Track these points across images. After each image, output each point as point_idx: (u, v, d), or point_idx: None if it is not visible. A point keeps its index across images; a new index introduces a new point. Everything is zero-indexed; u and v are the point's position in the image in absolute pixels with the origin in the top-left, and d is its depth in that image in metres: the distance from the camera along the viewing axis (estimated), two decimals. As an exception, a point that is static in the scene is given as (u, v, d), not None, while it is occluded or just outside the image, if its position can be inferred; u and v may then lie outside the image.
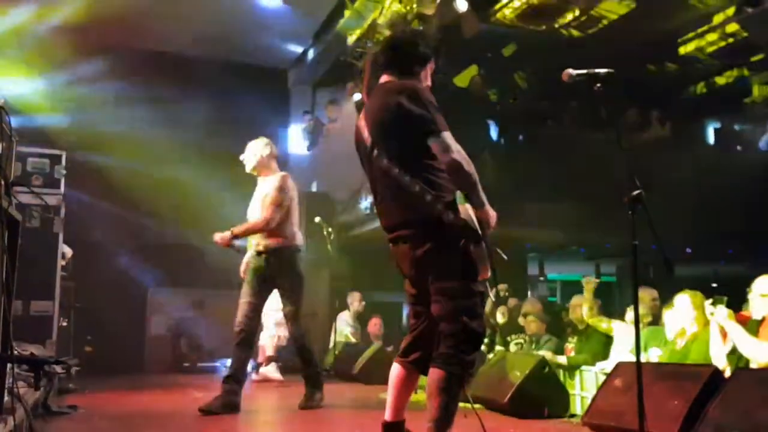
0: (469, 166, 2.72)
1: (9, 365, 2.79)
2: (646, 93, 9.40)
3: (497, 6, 7.10)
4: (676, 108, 10.18)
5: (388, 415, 3.08)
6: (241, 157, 5.10)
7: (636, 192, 3.13)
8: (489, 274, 2.74)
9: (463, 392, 2.71)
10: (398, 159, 2.82)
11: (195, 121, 8.97)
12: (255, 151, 5.07)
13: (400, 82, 2.97)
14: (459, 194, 2.75)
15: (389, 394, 3.12)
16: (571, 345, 6.61)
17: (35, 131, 7.21)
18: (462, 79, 9.28)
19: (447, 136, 2.75)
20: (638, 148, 9.94)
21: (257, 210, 4.99)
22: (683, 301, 4.94)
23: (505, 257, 2.79)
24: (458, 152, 2.72)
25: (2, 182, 2.46)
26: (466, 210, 2.70)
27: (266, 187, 5.02)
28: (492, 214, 2.78)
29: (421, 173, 2.78)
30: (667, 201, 9.14)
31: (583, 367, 5.91)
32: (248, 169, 5.10)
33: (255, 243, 4.97)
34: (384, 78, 3.06)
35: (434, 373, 2.65)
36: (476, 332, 2.69)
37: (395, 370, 3.10)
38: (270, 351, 6.99)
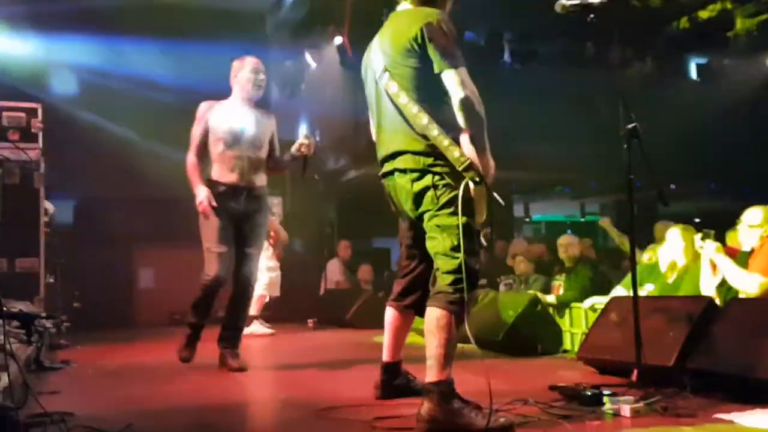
0: (480, 106, 2.65)
1: (-1, 321, 2.73)
2: (630, 29, 9.27)
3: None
4: (660, 43, 10.08)
5: (385, 356, 3.16)
6: (262, 77, 4.51)
7: (631, 125, 3.10)
8: (485, 216, 2.69)
9: (462, 330, 2.69)
10: (408, 88, 2.76)
11: (172, 68, 8.71)
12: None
13: (420, 8, 2.87)
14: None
15: (386, 337, 3.16)
16: (558, 283, 6.66)
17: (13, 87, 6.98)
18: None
19: (463, 72, 2.67)
20: (622, 84, 9.87)
21: (257, 141, 4.40)
22: (674, 234, 4.96)
23: (501, 202, 2.74)
24: (472, 91, 2.65)
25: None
26: (472, 150, 2.64)
27: (265, 120, 4.52)
28: (491, 162, 2.71)
29: (430, 105, 2.72)
30: (651, 137, 9.15)
31: (572, 305, 5.97)
32: (260, 94, 4.56)
33: (246, 181, 4.36)
34: (402, 5, 2.97)
35: (432, 312, 2.63)
36: (473, 269, 2.66)
37: (390, 313, 3.13)
38: (254, 311, 6.79)
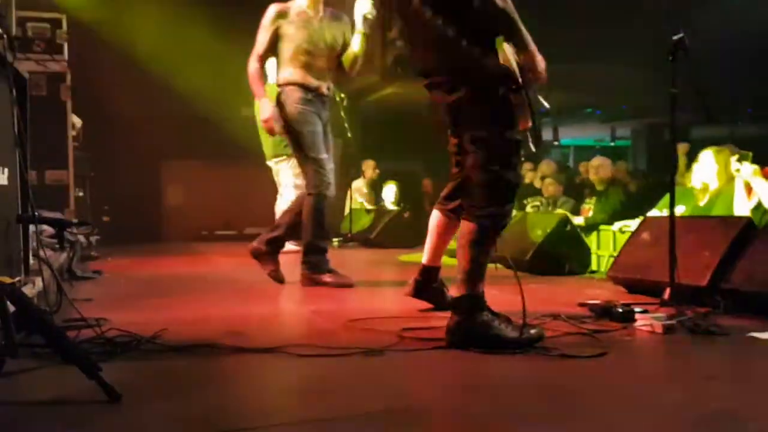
0: (504, 3, 2.48)
1: (32, 228, 2.75)
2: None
3: None
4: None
5: (425, 258, 3.15)
6: None
7: (678, 36, 2.95)
8: (529, 123, 2.57)
9: (495, 250, 2.64)
10: (433, 1, 2.60)
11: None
12: None
13: None
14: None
15: (428, 239, 3.13)
16: (588, 206, 6.59)
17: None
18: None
19: None
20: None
21: (335, 45, 4.25)
22: (707, 156, 4.84)
23: (547, 105, 2.63)
24: None
25: (5, 35, 2.28)
26: (508, 56, 2.49)
27: (338, 23, 4.32)
28: (539, 57, 2.57)
29: (456, 16, 2.57)
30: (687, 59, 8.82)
31: (601, 227, 5.91)
32: None
33: (326, 87, 4.26)
34: None
35: (465, 225, 2.57)
36: (510, 182, 2.57)
37: (435, 216, 3.09)
38: None
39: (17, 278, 2.63)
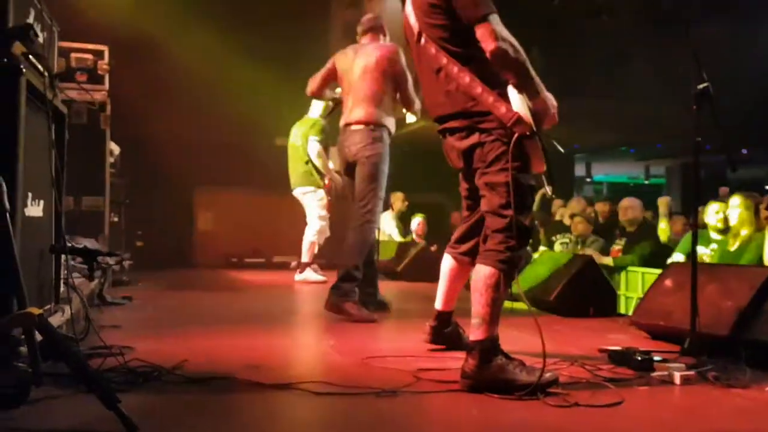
0: (516, 52, 2.52)
1: (63, 257, 2.85)
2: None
3: None
4: (739, 3, 9.57)
5: (438, 304, 3.16)
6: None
7: (703, 85, 2.96)
8: (544, 167, 2.61)
9: (511, 289, 2.67)
10: (446, 48, 2.67)
11: (250, 22, 8.74)
12: None
13: None
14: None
15: (440, 284, 3.15)
16: (618, 246, 6.54)
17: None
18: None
19: (494, 20, 2.54)
20: (696, 44, 9.42)
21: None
22: (735, 202, 4.80)
23: (561, 149, 2.67)
24: (504, 39, 2.52)
25: (46, 73, 2.40)
26: (521, 100, 2.55)
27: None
28: (551, 102, 2.63)
29: (471, 63, 2.63)
30: (723, 101, 8.75)
31: (629, 268, 5.86)
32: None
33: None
34: None
35: (480, 269, 2.60)
36: (524, 227, 2.61)
37: (446, 260, 3.11)
38: (307, 258, 6.87)
39: (47, 306, 2.72)
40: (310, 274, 6.77)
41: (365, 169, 4.36)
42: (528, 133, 2.53)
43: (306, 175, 6.71)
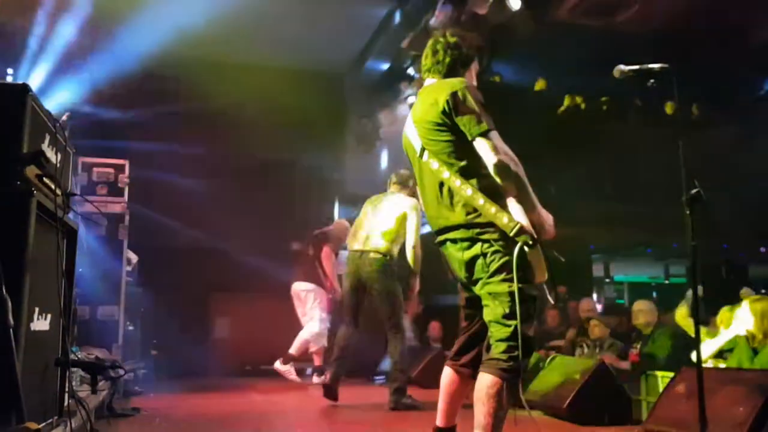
0: (516, 167, 2.65)
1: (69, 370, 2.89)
2: (715, 87, 9.05)
3: (553, 3, 6.95)
4: (748, 102, 9.77)
5: (439, 420, 3.09)
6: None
7: (694, 191, 3.02)
8: (546, 276, 2.66)
9: (517, 397, 2.64)
10: (448, 162, 2.78)
11: (251, 127, 9.11)
12: None
13: (444, 81, 2.93)
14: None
15: (440, 399, 3.10)
16: (635, 350, 6.41)
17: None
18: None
19: (493, 136, 2.68)
20: (706, 144, 9.59)
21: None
22: (744, 307, 4.75)
23: (562, 259, 2.71)
24: (504, 153, 2.65)
25: (59, 192, 2.54)
26: (521, 211, 2.63)
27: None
28: (546, 216, 2.71)
29: (472, 176, 2.73)
30: (740, 200, 8.80)
31: (649, 372, 5.72)
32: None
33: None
34: (428, 81, 3.05)
35: (483, 379, 2.60)
36: (528, 337, 2.61)
37: (447, 374, 3.07)
38: (295, 351, 7.06)
39: (50, 419, 2.74)
40: (289, 369, 6.96)
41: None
42: (530, 242, 2.59)
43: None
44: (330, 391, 5.38)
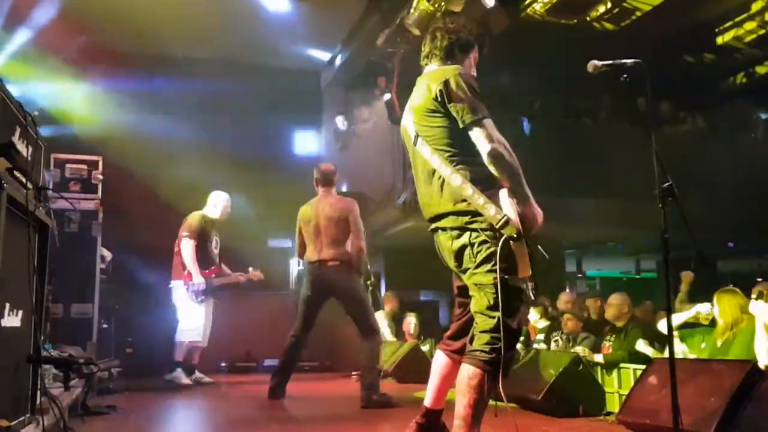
0: (510, 156, 2.64)
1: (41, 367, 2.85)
2: (684, 85, 9.20)
3: (526, 1, 7.02)
4: (715, 99, 9.95)
5: (427, 401, 3.04)
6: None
7: (667, 184, 3.06)
8: (529, 272, 2.66)
9: (496, 390, 2.64)
10: (440, 149, 2.78)
11: (228, 123, 9.07)
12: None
13: (441, 68, 2.93)
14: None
15: (431, 381, 3.05)
16: (608, 343, 6.49)
17: (72, 139, 7.34)
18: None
19: (488, 124, 2.67)
20: (675, 140, 9.75)
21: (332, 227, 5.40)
22: (716, 299, 4.84)
23: (546, 255, 2.72)
24: (499, 142, 2.64)
25: (29, 186, 2.50)
26: (511, 204, 2.63)
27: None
28: (537, 210, 2.71)
29: (464, 164, 2.73)
30: (708, 195, 8.94)
31: (621, 365, 5.80)
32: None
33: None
34: (428, 68, 3.03)
35: (465, 369, 2.59)
36: (512, 329, 2.61)
37: (439, 357, 3.04)
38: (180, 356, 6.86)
39: (22, 417, 2.69)
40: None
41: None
42: (515, 236, 2.59)
43: None
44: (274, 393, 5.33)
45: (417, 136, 2.87)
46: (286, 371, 5.40)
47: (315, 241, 5.41)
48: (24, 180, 2.47)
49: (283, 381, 5.36)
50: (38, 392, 2.88)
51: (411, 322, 8.53)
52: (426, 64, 3.04)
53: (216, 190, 6.99)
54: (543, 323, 7.58)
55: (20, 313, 2.60)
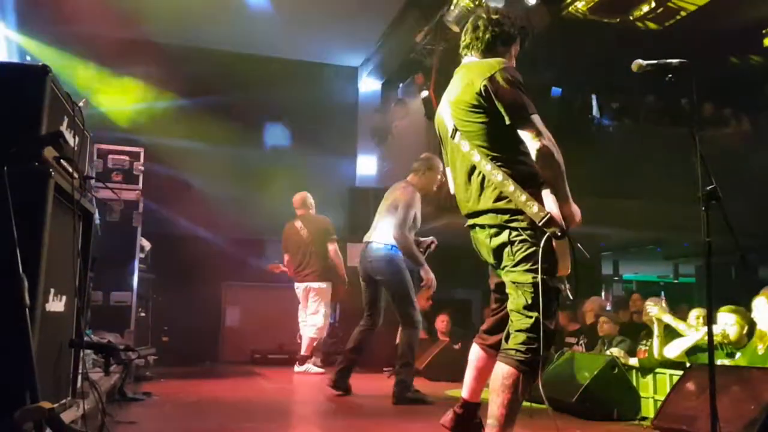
0: (558, 154, 2.58)
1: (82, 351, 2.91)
2: (729, 86, 9.00)
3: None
4: (762, 102, 9.70)
5: (465, 393, 3.01)
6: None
7: (710, 187, 3.00)
8: (569, 270, 2.61)
9: (531, 390, 2.59)
10: (480, 145, 2.71)
11: (270, 119, 9.16)
12: None
13: (485, 61, 2.83)
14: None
15: (467, 373, 3.02)
16: (644, 347, 6.39)
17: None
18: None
19: (537, 120, 2.60)
20: (719, 143, 9.54)
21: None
22: (759, 303, 4.71)
23: (587, 255, 2.68)
24: (549, 138, 2.58)
25: (75, 175, 2.56)
26: (554, 201, 2.58)
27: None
28: (576, 210, 2.66)
29: (505, 161, 2.67)
30: (754, 199, 8.73)
31: (657, 370, 5.70)
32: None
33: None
34: (467, 59, 2.96)
35: (500, 368, 2.56)
36: (548, 330, 2.56)
37: (475, 350, 3.00)
38: (305, 350, 7.17)
39: (63, 400, 2.76)
40: (312, 367, 7.06)
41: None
42: (559, 234, 2.55)
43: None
44: (337, 384, 5.27)
45: (456, 130, 2.81)
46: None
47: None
48: (70, 169, 2.53)
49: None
50: (79, 376, 2.95)
51: (444, 320, 8.51)
52: (465, 55, 2.96)
53: None
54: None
55: (64, 298, 2.67)
